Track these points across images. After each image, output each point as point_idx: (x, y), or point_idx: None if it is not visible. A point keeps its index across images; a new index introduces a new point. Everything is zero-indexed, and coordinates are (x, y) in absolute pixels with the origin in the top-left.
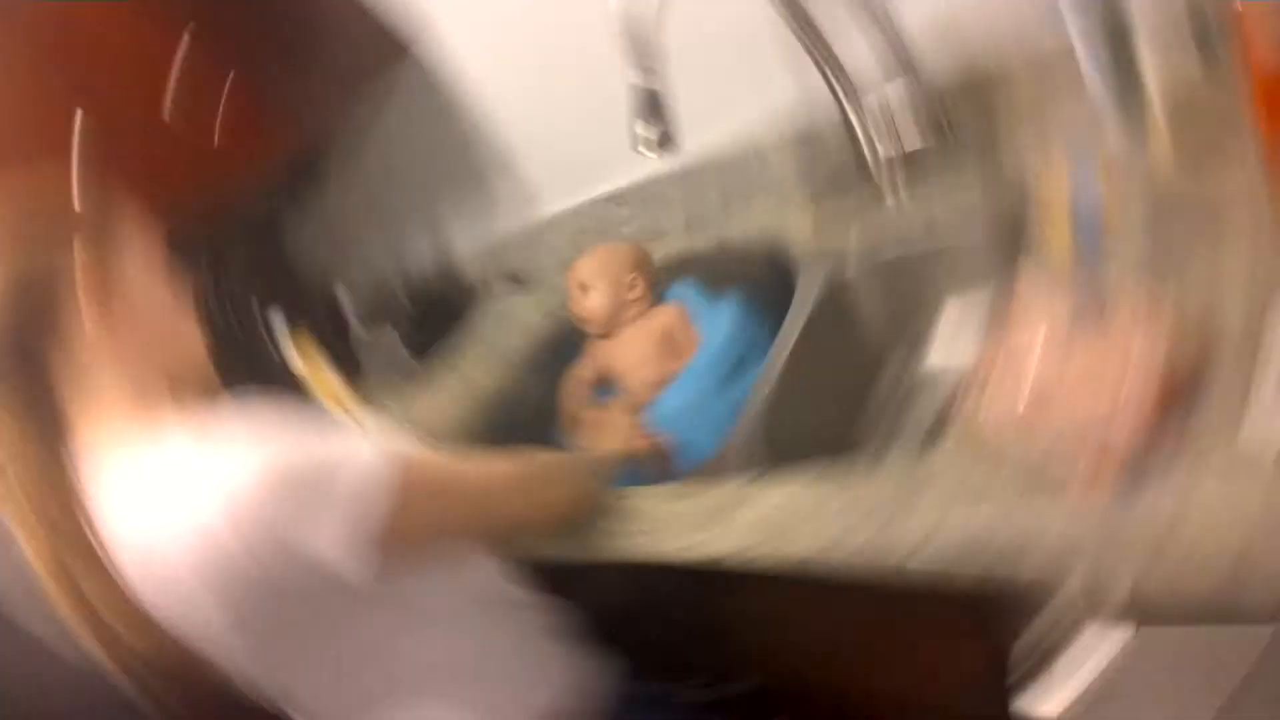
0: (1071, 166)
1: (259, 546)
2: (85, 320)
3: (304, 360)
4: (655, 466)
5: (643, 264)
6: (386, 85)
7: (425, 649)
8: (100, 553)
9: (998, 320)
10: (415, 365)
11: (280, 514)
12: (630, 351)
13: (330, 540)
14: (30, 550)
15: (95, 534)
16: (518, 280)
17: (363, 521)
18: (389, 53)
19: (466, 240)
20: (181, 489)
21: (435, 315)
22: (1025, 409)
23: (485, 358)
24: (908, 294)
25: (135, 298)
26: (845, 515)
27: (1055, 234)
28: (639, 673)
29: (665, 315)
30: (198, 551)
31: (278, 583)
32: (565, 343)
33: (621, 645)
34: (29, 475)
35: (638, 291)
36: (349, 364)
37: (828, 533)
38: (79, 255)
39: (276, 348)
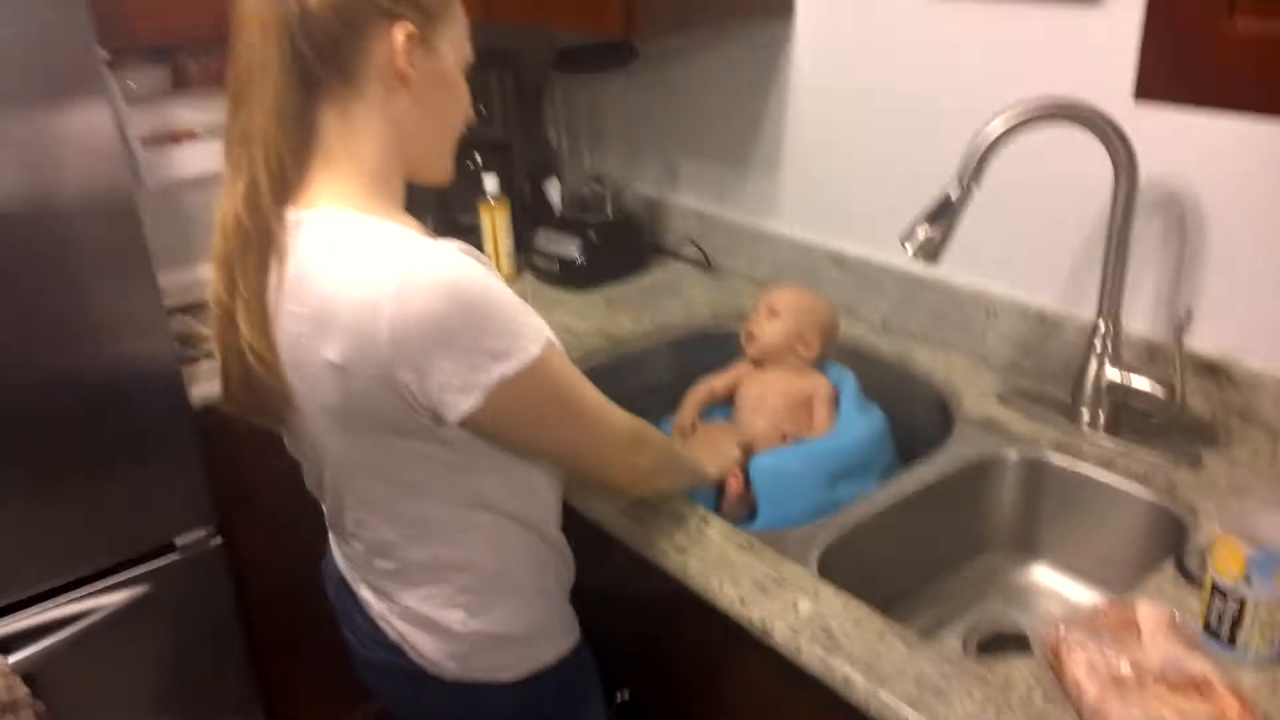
0: (1270, 514)
1: (400, 350)
2: (385, 75)
3: (487, 219)
4: (732, 507)
5: (830, 332)
6: (743, 27)
7: (456, 539)
8: (263, 285)
9: (1123, 591)
10: (569, 282)
11: (439, 325)
12: (766, 393)
13: (454, 376)
14: (217, 244)
15: (273, 265)
16: (705, 262)
17: (490, 378)
18: (777, 5)
19: (691, 197)
20: (372, 266)
21: (615, 245)
22: (1108, 684)
23: (639, 312)
24: (1046, 509)
25: (434, 83)
26: (889, 663)
27: (1227, 556)
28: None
29: (816, 384)
30: (350, 323)
31: (389, 389)
32: (708, 341)
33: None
34: (261, 174)
35: (811, 351)
36: (520, 247)
37: (863, 663)
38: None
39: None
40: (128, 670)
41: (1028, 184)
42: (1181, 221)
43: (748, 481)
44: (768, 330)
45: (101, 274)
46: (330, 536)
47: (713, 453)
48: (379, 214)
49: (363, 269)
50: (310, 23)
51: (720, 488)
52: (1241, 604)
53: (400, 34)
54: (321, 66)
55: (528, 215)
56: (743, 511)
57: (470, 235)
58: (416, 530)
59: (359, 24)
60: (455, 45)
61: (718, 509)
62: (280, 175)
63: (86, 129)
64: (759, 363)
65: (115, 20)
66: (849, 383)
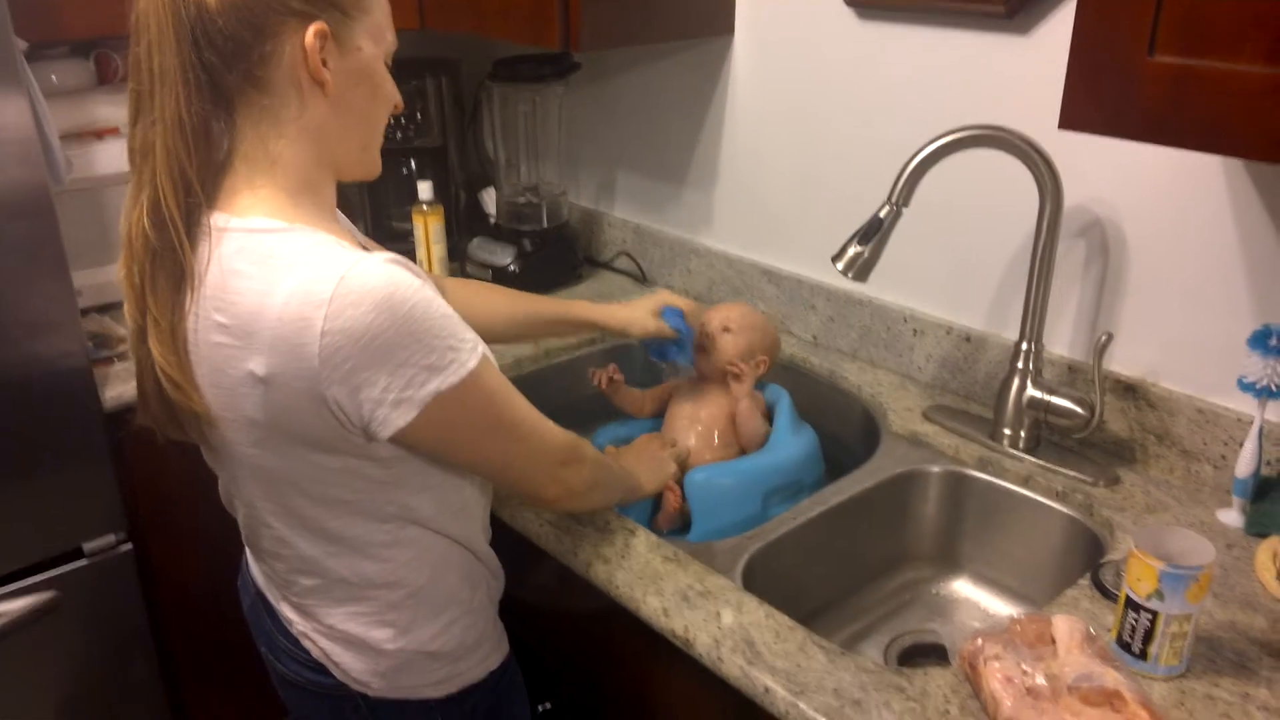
0: (1181, 532)
1: (330, 365)
2: (298, 78)
3: (420, 225)
4: (669, 521)
5: (776, 353)
6: (684, 44)
7: (382, 555)
8: (172, 303)
9: (1042, 604)
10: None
11: (372, 339)
12: (701, 407)
13: (387, 391)
14: (122, 263)
15: (186, 280)
16: (640, 274)
17: (425, 393)
18: (718, 25)
19: (627, 210)
20: (301, 278)
21: (549, 255)
22: (1022, 695)
23: None
24: (968, 524)
25: (353, 81)
26: (809, 674)
27: (1140, 572)
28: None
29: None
30: (278, 337)
31: (317, 404)
32: (640, 352)
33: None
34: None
35: (759, 371)
36: (455, 254)
37: (784, 674)
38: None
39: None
40: (33, 681)
41: (957, 207)
42: (1104, 246)
43: (683, 495)
44: (723, 343)
45: (13, 271)
46: (247, 551)
47: (648, 466)
48: (308, 223)
49: (292, 281)
50: (212, 29)
51: (656, 501)
52: (1153, 618)
53: (310, 35)
54: (229, 74)
55: (463, 223)
56: (677, 524)
57: (403, 240)
58: (340, 547)
59: (265, 27)
60: (374, 36)
61: (651, 521)
62: (184, 188)
63: (1, 123)
64: (705, 377)
65: (37, 12)
66: (784, 402)
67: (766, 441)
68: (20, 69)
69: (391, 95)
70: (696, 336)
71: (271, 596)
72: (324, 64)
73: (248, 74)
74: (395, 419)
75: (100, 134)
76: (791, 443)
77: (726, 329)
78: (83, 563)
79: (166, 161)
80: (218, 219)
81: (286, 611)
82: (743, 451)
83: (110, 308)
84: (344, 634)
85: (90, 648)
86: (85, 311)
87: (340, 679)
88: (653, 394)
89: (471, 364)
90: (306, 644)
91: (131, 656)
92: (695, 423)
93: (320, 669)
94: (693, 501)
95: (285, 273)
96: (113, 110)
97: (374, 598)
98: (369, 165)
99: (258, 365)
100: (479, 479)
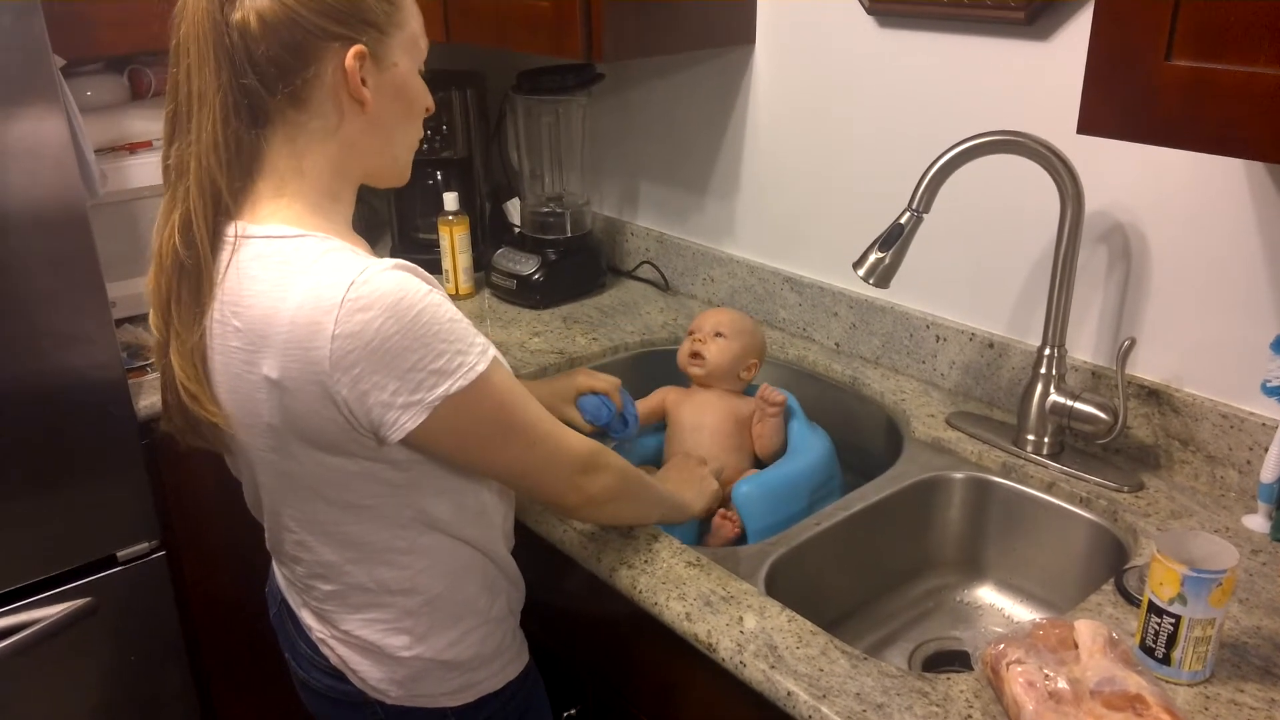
0: (1204, 537)
1: (340, 368)
2: (338, 97)
3: (446, 235)
4: (724, 540)
5: (763, 356)
6: (706, 53)
7: (400, 561)
8: (194, 318)
9: (1066, 610)
10: (527, 300)
11: (381, 343)
12: (704, 415)
13: (396, 395)
14: (152, 275)
15: (208, 294)
16: (663, 283)
17: (434, 396)
18: (739, 34)
19: (650, 219)
20: (314, 283)
21: (573, 264)
22: (1045, 699)
23: (595, 331)
24: (992, 530)
25: (390, 96)
26: (832, 678)
27: (1163, 576)
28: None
29: (753, 404)
30: (290, 341)
31: (330, 407)
32: (664, 361)
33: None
34: (197, 202)
35: (750, 375)
36: (480, 264)
37: (806, 678)
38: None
39: (431, 209)
40: (67, 686)
41: (978, 213)
42: (1126, 251)
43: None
44: (714, 350)
45: (49, 284)
46: (273, 558)
47: (693, 487)
48: (325, 231)
49: (303, 286)
50: (256, 54)
51: (703, 520)
52: (1176, 623)
53: (351, 58)
54: (272, 98)
55: (488, 233)
56: (727, 543)
57: (429, 250)
58: (359, 552)
59: (307, 53)
60: (409, 49)
61: (701, 540)
62: (215, 206)
63: (39, 137)
64: (702, 384)
65: (74, 29)
66: (793, 403)
67: (786, 446)
68: (58, 85)
69: (425, 101)
70: (689, 343)
71: (293, 602)
72: (363, 82)
73: (291, 96)
74: (405, 422)
75: (133, 148)
76: (815, 442)
77: (719, 334)
78: (117, 570)
79: (199, 180)
80: (238, 226)
81: (306, 617)
82: (759, 454)
83: (143, 318)
84: (360, 640)
85: (124, 654)
86: (119, 322)
87: (358, 686)
88: (648, 407)
89: (480, 368)
90: (325, 650)
91: (164, 662)
92: (701, 431)
93: (339, 675)
94: (744, 514)
95: (297, 278)
96: (145, 124)
97: (391, 604)
98: (401, 172)
99: (271, 369)
100: (498, 484)
